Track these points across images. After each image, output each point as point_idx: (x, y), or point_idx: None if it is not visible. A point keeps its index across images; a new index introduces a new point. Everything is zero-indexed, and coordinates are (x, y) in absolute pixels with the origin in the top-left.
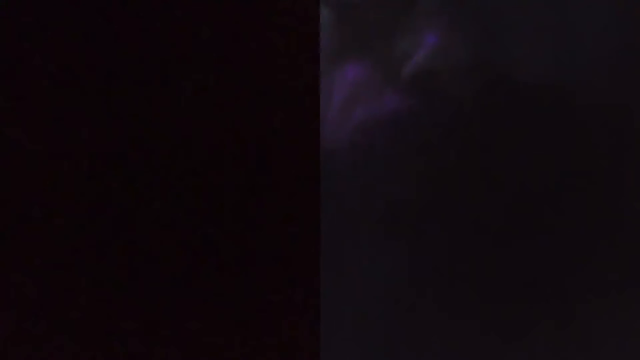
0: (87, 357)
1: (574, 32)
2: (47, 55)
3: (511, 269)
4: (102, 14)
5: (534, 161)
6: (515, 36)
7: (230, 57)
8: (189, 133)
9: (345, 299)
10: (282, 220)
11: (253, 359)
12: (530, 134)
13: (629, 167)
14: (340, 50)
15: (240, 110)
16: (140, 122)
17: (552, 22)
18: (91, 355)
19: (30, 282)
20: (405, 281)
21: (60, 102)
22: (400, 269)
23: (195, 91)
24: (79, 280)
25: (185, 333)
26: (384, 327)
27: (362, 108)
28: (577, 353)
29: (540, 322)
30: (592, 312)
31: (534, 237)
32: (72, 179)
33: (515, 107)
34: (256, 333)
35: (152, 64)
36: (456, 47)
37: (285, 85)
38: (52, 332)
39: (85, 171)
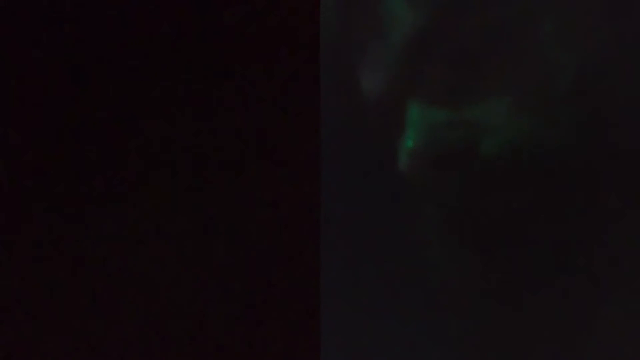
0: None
1: None
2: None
3: (510, 267)
4: (100, 14)
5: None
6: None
7: (230, 56)
8: (189, 133)
9: (345, 298)
10: (283, 220)
11: (253, 359)
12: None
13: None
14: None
15: (240, 111)
16: (138, 123)
17: None
18: (89, 354)
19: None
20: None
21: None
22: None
23: (195, 91)
24: (81, 282)
25: (185, 333)
26: (384, 326)
27: None
28: (577, 353)
29: (540, 322)
30: (591, 312)
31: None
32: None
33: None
34: (257, 334)
35: (152, 64)
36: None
37: (286, 86)
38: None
39: (87, 175)
